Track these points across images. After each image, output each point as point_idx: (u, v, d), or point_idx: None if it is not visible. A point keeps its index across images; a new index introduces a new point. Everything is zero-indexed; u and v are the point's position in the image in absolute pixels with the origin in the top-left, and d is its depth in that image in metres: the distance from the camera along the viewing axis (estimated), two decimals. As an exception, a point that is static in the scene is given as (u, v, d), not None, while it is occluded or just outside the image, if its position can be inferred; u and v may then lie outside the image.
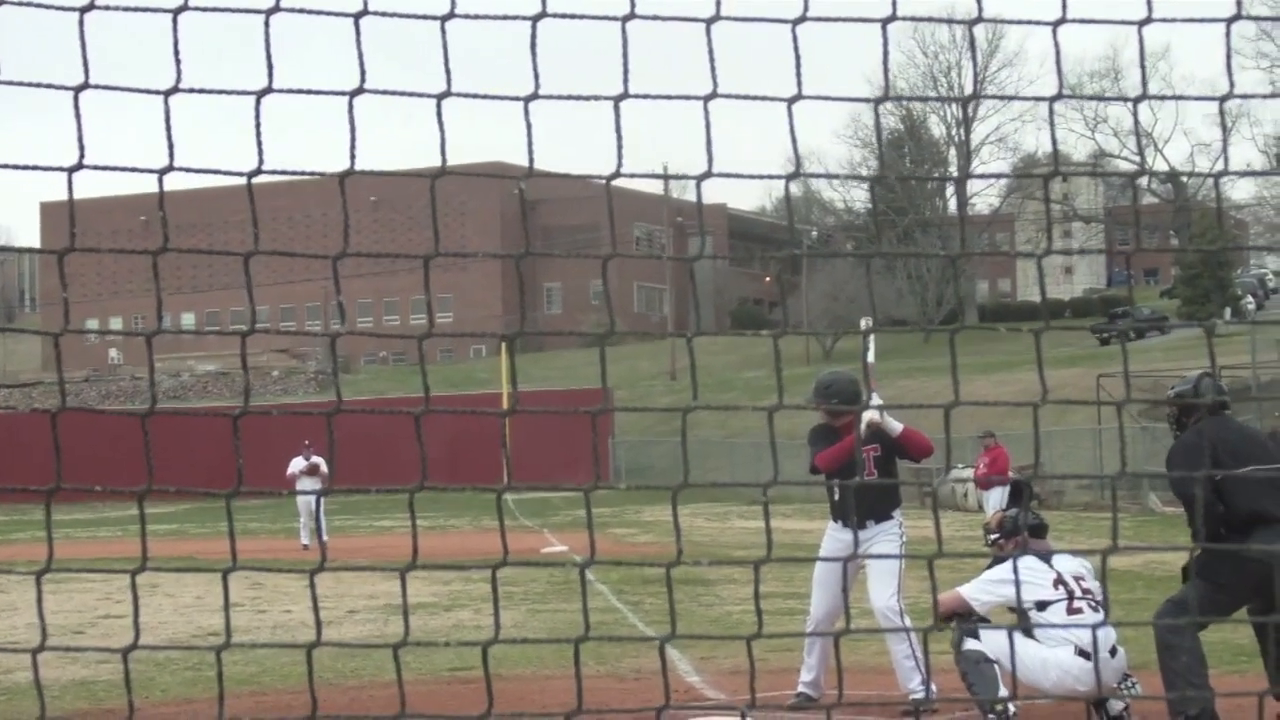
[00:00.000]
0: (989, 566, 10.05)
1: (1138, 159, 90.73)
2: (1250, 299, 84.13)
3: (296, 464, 29.19)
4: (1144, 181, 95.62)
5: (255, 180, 2.99)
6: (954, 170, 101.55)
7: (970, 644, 9.51)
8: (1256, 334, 39.60)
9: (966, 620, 9.60)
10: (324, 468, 28.29)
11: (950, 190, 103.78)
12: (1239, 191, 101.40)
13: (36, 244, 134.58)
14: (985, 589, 9.63)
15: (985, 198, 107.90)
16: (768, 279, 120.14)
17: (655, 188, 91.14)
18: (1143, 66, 2.95)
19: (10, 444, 53.97)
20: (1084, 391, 44.21)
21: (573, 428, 51.00)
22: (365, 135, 2.82)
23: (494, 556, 3.36)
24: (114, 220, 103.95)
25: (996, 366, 63.74)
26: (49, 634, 3.19)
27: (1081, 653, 9.30)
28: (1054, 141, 2.97)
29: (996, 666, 9.40)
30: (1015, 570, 9.55)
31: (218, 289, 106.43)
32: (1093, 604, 9.56)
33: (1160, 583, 19.33)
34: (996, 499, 28.69)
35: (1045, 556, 9.76)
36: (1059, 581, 9.62)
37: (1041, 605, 9.56)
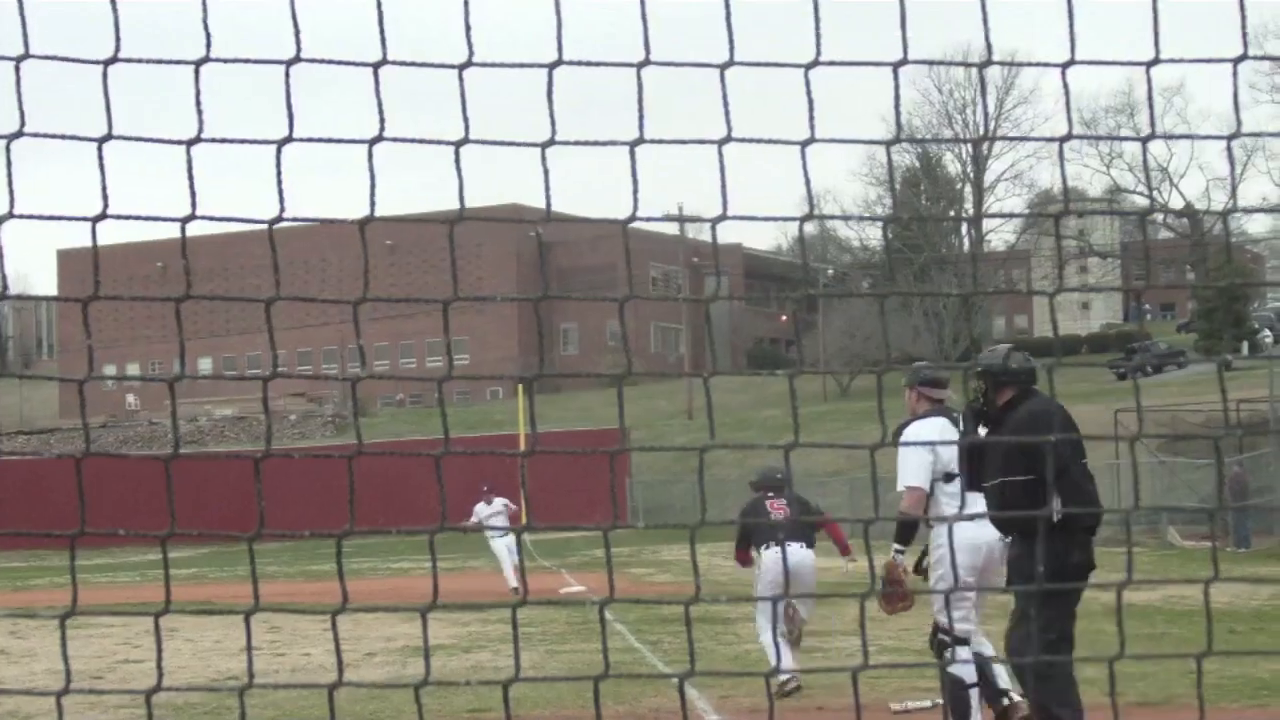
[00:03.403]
0: (896, 433, 9.82)
1: (1149, 200, 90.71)
2: (1268, 333, 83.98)
3: (480, 510, 28.32)
4: (1159, 217, 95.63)
5: (274, 240, 3.02)
6: (969, 208, 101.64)
7: (957, 670, 9.48)
8: (1275, 367, 39.50)
9: (950, 630, 9.57)
10: (511, 507, 28.06)
11: (965, 227, 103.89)
12: (1255, 225, 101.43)
13: (53, 291, 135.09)
14: (917, 471, 9.47)
15: (1001, 234, 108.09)
16: (784, 318, 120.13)
17: (671, 229, 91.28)
18: (1150, 106, 2.98)
19: (31, 490, 54.08)
20: (1101, 427, 44.09)
21: (590, 469, 50.96)
22: (382, 179, 2.84)
23: (513, 597, 3.38)
24: (130, 267, 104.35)
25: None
26: (70, 691, 3.20)
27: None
28: (1064, 181, 2.99)
29: (974, 693, 9.46)
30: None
31: (234, 334, 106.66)
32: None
33: (1181, 617, 19.27)
34: None
35: (955, 420, 9.65)
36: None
37: (949, 478, 9.51)
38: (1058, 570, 8.29)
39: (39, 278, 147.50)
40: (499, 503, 28.20)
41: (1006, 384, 8.74)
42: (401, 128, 2.85)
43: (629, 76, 2.80)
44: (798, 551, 13.31)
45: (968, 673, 9.49)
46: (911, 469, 9.48)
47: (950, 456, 9.45)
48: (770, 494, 13.78)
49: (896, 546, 9.64)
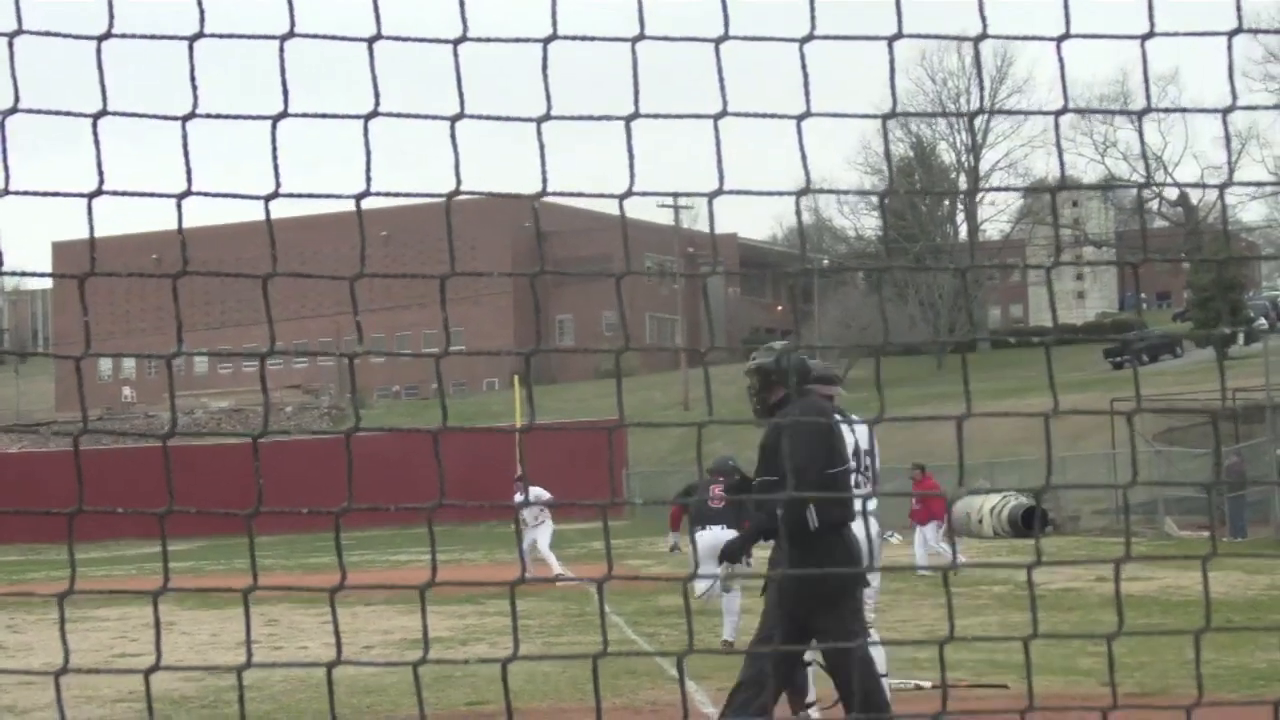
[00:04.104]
0: None
1: (1145, 177, 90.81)
2: (1262, 321, 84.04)
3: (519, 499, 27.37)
4: (1154, 205, 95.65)
5: (270, 218, 3.01)
6: (963, 198, 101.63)
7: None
8: (1270, 355, 39.56)
9: None
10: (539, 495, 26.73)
11: (961, 216, 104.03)
12: (1250, 214, 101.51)
13: (48, 285, 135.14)
14: None
15: (996, 224, 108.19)
16: (779, 308, 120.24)
17: (666, 218, 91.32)
18: (1146, 80, 2.98)
19: (26, 485, 54.16)
20: (1097, 415, 44.18)
21: (586, 462, 50.82)
22: (377, 177, 2.83)
23: (507, 590, 3.37)
24: (125, 258, 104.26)
25: (1009, 392, 63.73)
26: (68, 670, 3.20)
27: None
28: (1060, 154, 2.98)
29: (810, 671, 9.58)
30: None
31: (230, 326, 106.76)
32: (865, 477, 9.69)
33: (1177, 607, 19.29)
34: (931, 533, 28.33)
35: (846, 418, 9.62)
36: (855, 452, 9.52)
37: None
38: (799, 581, 8.25)
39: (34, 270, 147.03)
40: (536, 491, 27.43)
41: (778, 382, 8.69)
42: (397, 120, 2.84)
43: (624, 73, 2.80)
44: (720, 533, 15.25)
45: (880, 658, 9.53)
46: None
47: (846, 455, 9.43)
48: (720, 478, 16.30)
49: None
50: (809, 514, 8.18)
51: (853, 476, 9.32)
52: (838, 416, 9.44)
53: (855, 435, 9.50)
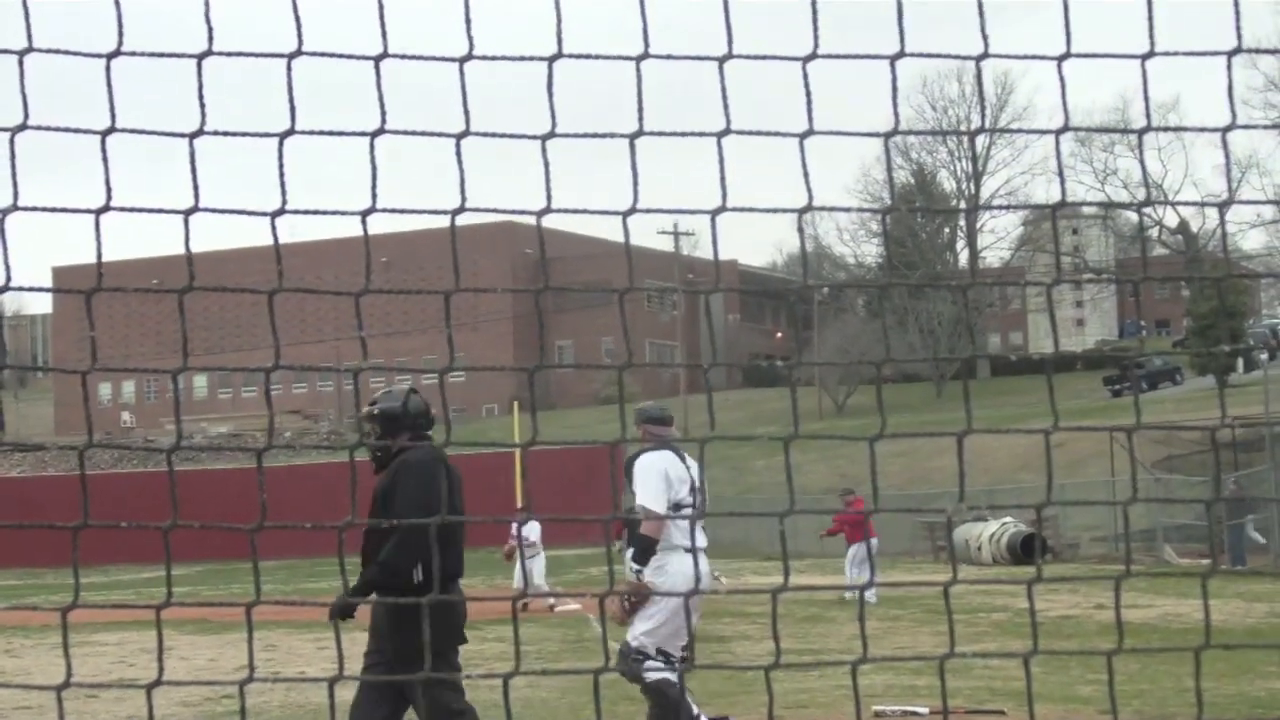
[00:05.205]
0: (629, 463, 9.81)
1: (1145, 197, 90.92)
2: (1261, 347, 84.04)
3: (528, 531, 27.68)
4: (1154, 233, 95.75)
5: (277, 235, 3.04)
6: (964, 224, 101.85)
7: (655, 677, 9.46)
8: (1270, 384, 39.55)
9: (638, 653, 9.55)
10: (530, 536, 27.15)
11: (961, 244, 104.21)
12: (1249, 241, 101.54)
13: (49, 310, 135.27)
14: (656, 496, 9.41)
15: (996, 251, 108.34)
16: (779, 334, 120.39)
17: (666, 245, 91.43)
18: (1146, 99, 3.00)
19: (25, 510, 54.20)
20: (1096, 442, 44.18)
21: (585, 487, 50.98)
22: (381, 201, 2.84)
23: (507, 615, 3.38)
24: (127, 283, 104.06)
25: (1008, 419, 63.83)
26: (69, 685, 3.20)
27: (687, 550, 9.39)
28: (1061, 177, 3.00)
29: (691, 698, 9.51)
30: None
31: (230, 350, 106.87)
32: (696, 505, 9.63)
33: (1175, 635, 19.28)
34: (856, 553, 28.54)
35: (681, 454, 9.64)
36: (693, 487, 9.54)
37: (678, 507, 9.47)
38: (408, 638, 7.99)
39: (34, 297, 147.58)
40: (531, 524, 27.63)
41: (402, 429, 8.55)
42: (400, 140, 2.86)
43: (628, 90, 2.82)
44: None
45: (668, 674, 9.47)
46: (651, 494, 9.44)
47: (681, 487, 9.48)
48: None
49: (636, 567, 9.59)
50: (416, 568, 8.08)
51: (687, 510, 9.41)
52: (671, 453, 9.50)
53: (691, 471, 9.54)
